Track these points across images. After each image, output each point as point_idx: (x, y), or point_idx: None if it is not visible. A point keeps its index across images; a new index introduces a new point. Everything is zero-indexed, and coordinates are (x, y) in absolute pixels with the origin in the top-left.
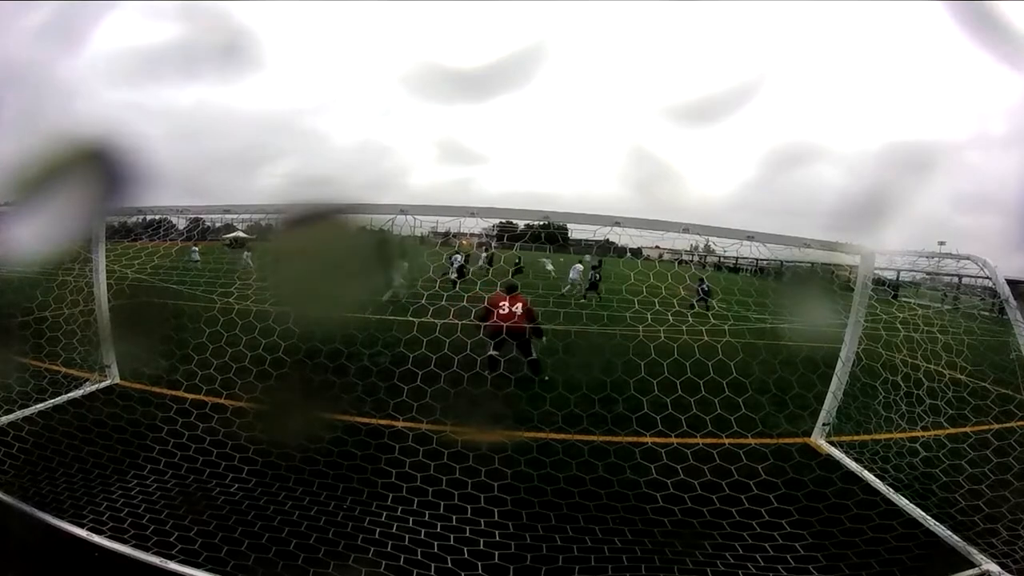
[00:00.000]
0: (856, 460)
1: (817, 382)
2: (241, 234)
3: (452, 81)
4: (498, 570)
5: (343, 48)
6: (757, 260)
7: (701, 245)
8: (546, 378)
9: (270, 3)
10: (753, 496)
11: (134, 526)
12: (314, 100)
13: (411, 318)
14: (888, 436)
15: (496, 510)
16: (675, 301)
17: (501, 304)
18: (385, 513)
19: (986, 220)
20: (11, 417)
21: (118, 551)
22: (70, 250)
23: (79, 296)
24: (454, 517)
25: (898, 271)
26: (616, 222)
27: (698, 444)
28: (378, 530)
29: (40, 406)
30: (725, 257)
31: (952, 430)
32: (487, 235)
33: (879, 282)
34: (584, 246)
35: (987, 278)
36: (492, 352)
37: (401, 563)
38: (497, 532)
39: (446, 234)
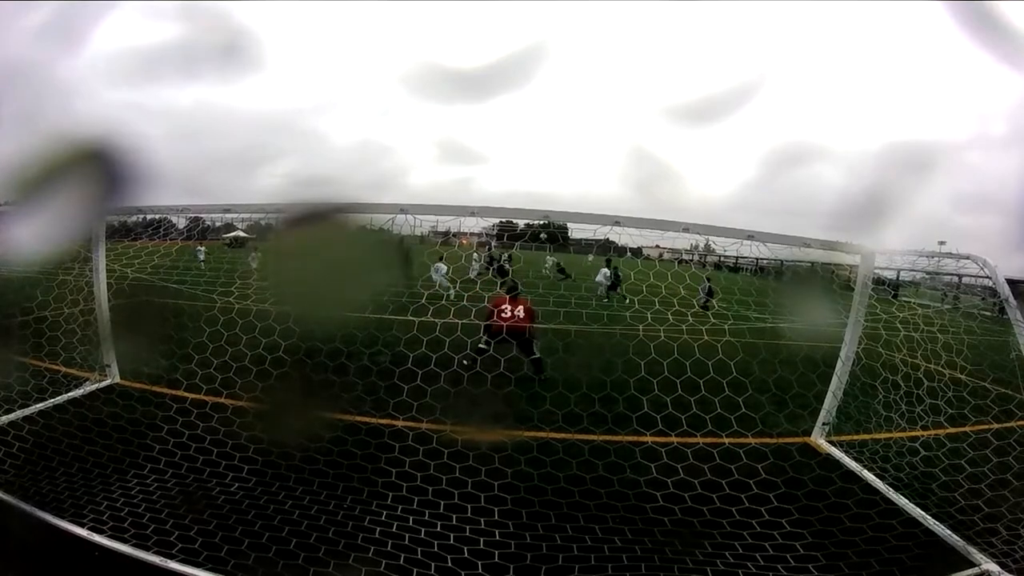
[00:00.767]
0: (856, 459)
1: (817, 381)
2: (241, 233)
3: (452, 81)
4: (498, 569)
5: (343, 48)
6: (757, 260)
7: (701, 244)
8: (544, 377)
9: (270, 3)
10: (753, 495)
11: (134, 525)
12: (314, 100)
13: (411, 317)
14: (888, 436)
15: (496, 509)
16: (694, 301)
17: (503, 307)
18: (385, 512)
19: (986, 220)
20: (11, 416)
21: (118, 550)
22: (70, 250)
23: (79, 296)
24: (454, 516)
25: (898, 271)
26: (616, 221)
27: (698, 443)
28: (378, 529)
29: (40, 405)
30: (725, 256)
31: (952, 430)
32: (487, 234)
33: (879, 282)
34: (584, 245)
35: (987, 278)
36: (482, 345)
37: (401, 562)
38: (497, 531)
39: (446, 233)
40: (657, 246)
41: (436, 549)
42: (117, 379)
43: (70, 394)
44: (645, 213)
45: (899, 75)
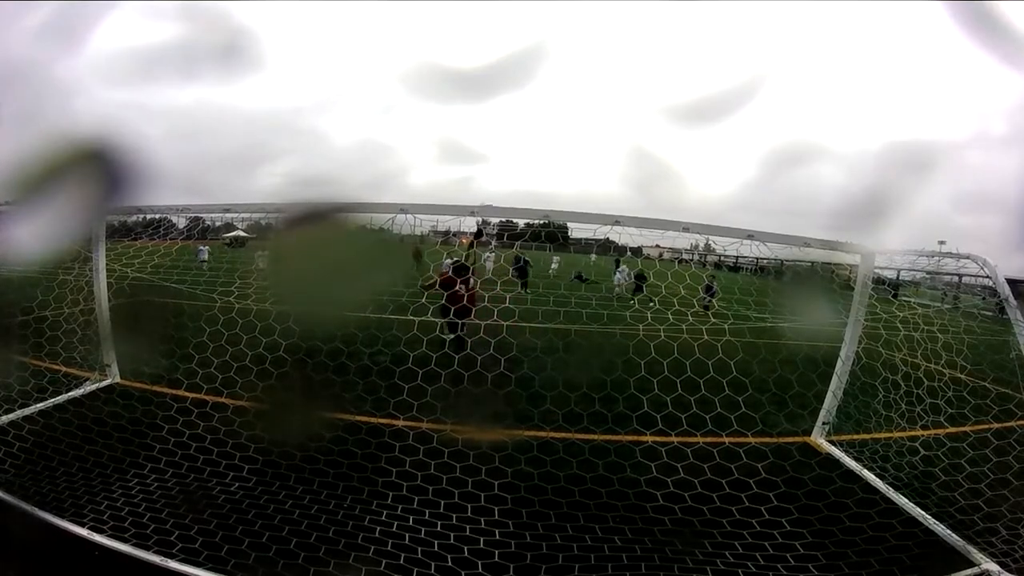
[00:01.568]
0: (856, 459)
1: (817, 381)
2: (242, 233)
3: (452, 81)
4: (498, 568)
5: (343, 47)
6: (757, 259)
7: (701, 244)
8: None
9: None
10: (753, 495)
11: (135, 525)
12: (314, 99)
13: (412, 317)
14: (888, 435)
15: (496, 508)
16: (695, 301)
17: (459, 284)
18: (385, 512)
19: (986, 220)
20: (11, 416)
21: (119, 550)
22: (70, 250)
23: (79, 295)
24: (454, 516)
25: (898, 270)
26: (616, 221)
27: (698, 443)
28: (378, 528)
29: (40, 405)
30: (725, 256)
31: (952, 429)
32: (487, 234)
33: (879, 281)
34: (584, 245)
35: (987, 277)
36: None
37: (401, 561)
38: (497, 531)
39: (446, 233)
40: (657, 246)
41: (436, 548)
42: (117, 379)
43: (70, 394)
44: (645, 213)
45: (899, 75)
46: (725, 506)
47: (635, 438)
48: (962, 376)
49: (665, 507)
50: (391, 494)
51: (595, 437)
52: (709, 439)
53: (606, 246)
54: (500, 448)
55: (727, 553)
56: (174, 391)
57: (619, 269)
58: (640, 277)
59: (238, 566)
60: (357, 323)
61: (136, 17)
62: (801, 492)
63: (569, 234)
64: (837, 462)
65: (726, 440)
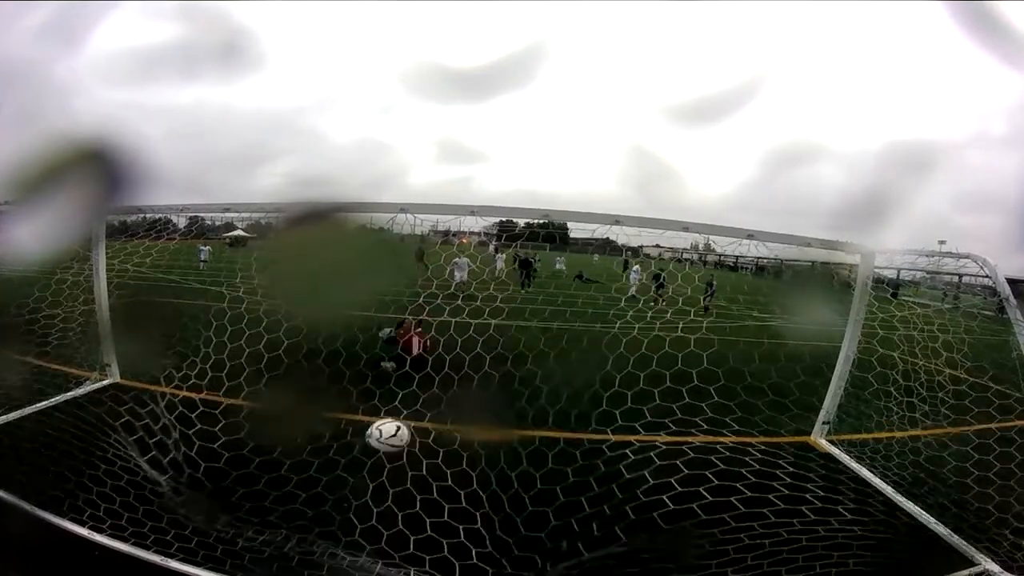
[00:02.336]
0: (856, 459)
1: (817, 381)
2: (242, 233)
3: (452, 80)
4: (497, 567)
5: (342, 47)
6: (757, 259)
7: (701, 244)
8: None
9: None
10: (753, 495)
11: (134, 524)
12: (313, 99)
13: (410, 317)
14: (888, 435)
15: (493, 507)
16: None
17: (414, 337)
18: (384, 512)
19: (986, 220)
20: (11, 416)
21: (118, 550)
22: (70, 249)
23: (79, 294)
24: (453, 515)
25: (898, 270)
26: (616, 220)
27: (698, 443)
28: (378, 528)
29: (40, 405)
30: (725, 256)
31: (952, 429)
32: (487, 234)
33: (879, 281)
34: (583, 244)
35: (987, 277)
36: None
37: (397, 560)
38: (497, 530)
39: (446, 232)
40: (657, 245)
41: (432, 546)
42: (117, 378)
43: (70, 394)
44: (645, 213)
45: (899, 75)
46: (725, 506)
47: (634, 438)
48: (962, 375)
49: (665, 507)
50: (390, 492)
51: (595, 437)
52: (709, 439)
53: (605, 246)
54: (498, 448)
55: (727, 551)
56: (174, 391)
57: (632, 270)
58: (657, 277)
59: (235, 567)
60: (357, 322)
61: (136, 17)
62: (801, 492)
63: (569, 233)
64: (837, 462)
65: (726, 440)
